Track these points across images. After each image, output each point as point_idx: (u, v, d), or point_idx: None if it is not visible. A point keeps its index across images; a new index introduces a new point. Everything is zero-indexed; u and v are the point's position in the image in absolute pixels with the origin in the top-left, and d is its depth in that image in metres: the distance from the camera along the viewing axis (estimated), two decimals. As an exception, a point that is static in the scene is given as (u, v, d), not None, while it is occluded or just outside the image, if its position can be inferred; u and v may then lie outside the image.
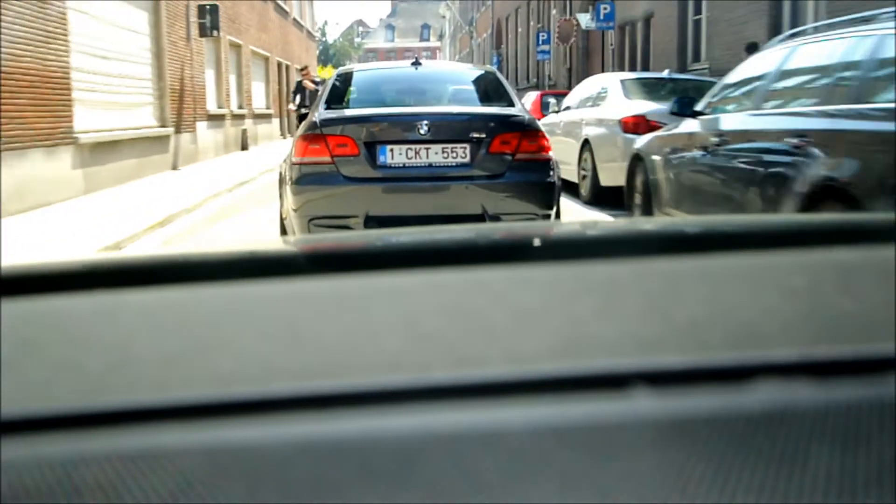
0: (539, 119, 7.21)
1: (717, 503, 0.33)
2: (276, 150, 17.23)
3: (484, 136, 4.49)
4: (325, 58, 65.41)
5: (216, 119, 14.87)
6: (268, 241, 1.39)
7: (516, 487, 0.33)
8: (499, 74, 5.59)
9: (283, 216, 4.94)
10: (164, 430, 0.36)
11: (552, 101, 10.56)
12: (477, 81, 5.53)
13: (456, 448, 0.35)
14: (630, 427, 0.36)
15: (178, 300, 0.54)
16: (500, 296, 0.51)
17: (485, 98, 5.20)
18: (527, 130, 4.57)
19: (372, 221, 4.42)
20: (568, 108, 9.01)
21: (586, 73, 17.56)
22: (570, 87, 15.17)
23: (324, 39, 72.81)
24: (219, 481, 0.34)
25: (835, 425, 0.35)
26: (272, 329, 0.47)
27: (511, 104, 4.94)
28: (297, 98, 14.62)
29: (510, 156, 4.51)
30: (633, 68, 15.08)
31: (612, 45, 15.29)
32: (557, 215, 4.78)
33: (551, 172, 4.63)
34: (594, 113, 7.84)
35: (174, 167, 12.03)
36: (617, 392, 0.38)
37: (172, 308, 0.52)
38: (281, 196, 5.02)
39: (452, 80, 5.64)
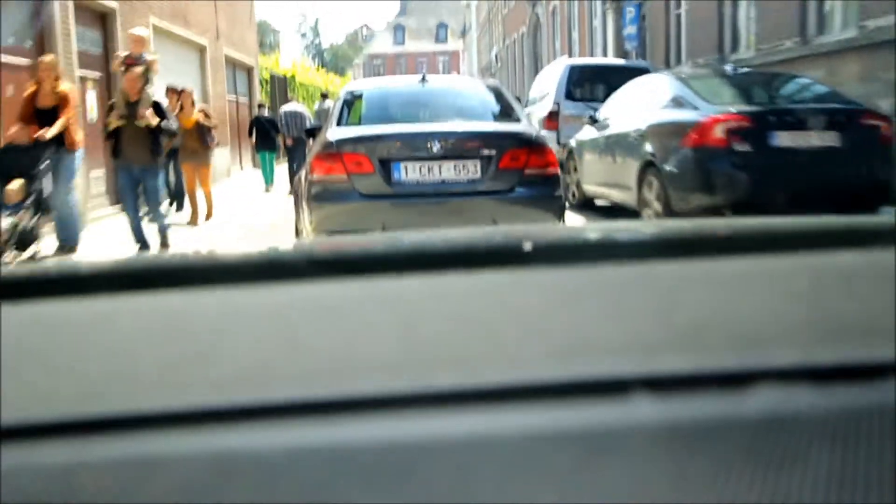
0: None
1: None
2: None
3: (494, 152, 4.72)
4: (321, 62, 52.99)
5: None
6: (268, 245, 0.84)
7: (516, 493, 0.34)
8: (503, 89, 5.91)
9: (299, 232, 5.25)
10: (164, 436, 0.37)
11: None
12: (483, 97, 5.78)
13: (456, 453, 0.36)
14: (631, 432, 0.36)
15: (178, 305, 0.55)
16: (500, 300, 0.53)
17: (492, 114, 5.44)
18: (534, 146, 4.81)
19: None
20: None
21: None
22: None
23: (317, 41, 60.29)
24: (218, 487, 0.34)
25: (835, 430, 0.36)
26: (272, 334, 0.48)
27: (518, 120, 5.25)
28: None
29: (519, 171, 4.73)
30: None
31: None
32: None
33: (559, 186, 4.92)
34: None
35: None
36: (618, 397, 0.39)
37: (172, 313, 0.53)
38: (297, 213, 5.31)
39: (459, 95, 5.80)
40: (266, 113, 14.18)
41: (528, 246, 0.65)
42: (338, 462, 0.35)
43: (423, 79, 5.63)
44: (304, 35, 65.06)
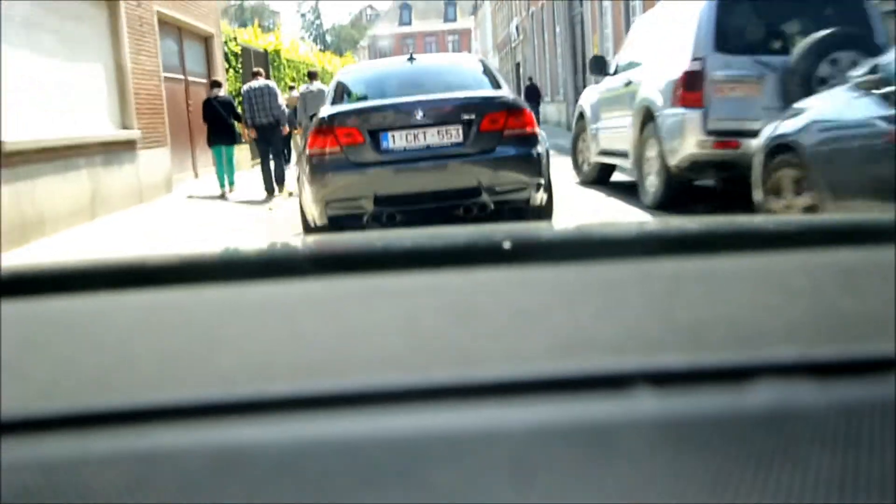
0: None
1: (717, 503, 0.34)
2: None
3: (474, 116, 5.09)
4: (322, 43, 49.35)
5: None
6: (269, 241, 1.34)
7: (517, 488, 0.34)
8: (486, 61, 6.49)
9: (302, 204, 5.55)
10: (165, 430, 0.37)
11: None
12: (467, 69, 6.20)
13: (457, 448, 0.36)
14: (631, 427, 0.37)
15: (179, 300, 0.55)
16: (501, 296, 0.53)
17: (474, 83, 5.71)
18: (512, 109, 5.19)
19: (381, 200, 5.02)
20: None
21: None
22: None
23: (318, 22, 56.40)
24: (220, 481, 0.35)
25: (835, 426, 0.37)
26: (273, 329, 0.49)
27: (498, 86, 5.64)
28: None
29: (499, 133, 5.10)
30: None
31: None
32: (549, 188, 5.43)
33: (537, 145, 5.24)
34: None
35: None
36: (618, 392, 0.39)
37: (173, 308, 0.54)
38: (300, 187, 5.64)
39: (444, 70, 6.17)
40: (223, 93, 9.91)
41: (528, 243, 0.66)
42: (338, 456, 0.35)
43: (411, 58, 6.15)
44: (303, 16, 60.65)
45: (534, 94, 23.76)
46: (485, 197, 5.03)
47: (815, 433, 0.36)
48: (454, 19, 75.49)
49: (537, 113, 23.11)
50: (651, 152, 6.27)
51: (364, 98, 5.56)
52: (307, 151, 5.16)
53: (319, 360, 0.43)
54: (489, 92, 5.42)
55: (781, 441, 0.35)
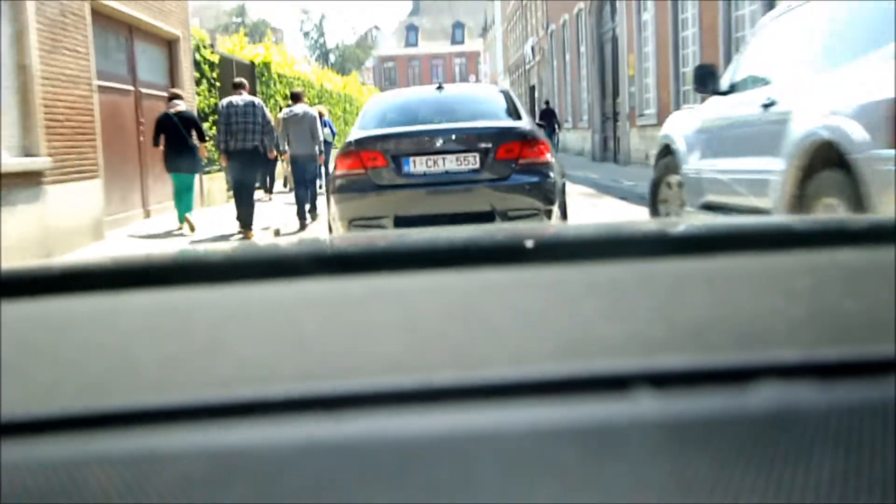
0: None
1: None
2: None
3: (491, 145, 5.54)
4: (325, 62, 47.74)
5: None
6: (270, 242, 1.17)
7: (518, 489, 0.34)
8: (509, 92, 6.74)
9: (329, 221, 5.94)
10: (166, 432, 0.37)
11: None
12: (489, 100, 6.69)
13: (458, 450, 0.36)
14: (633, 429, 0.37)
15: (180, 301, 0.55)
16: (503, 297, 0.53)
17: (495, 113, 6.13)
18: (527, 139, 5.62)
19: (400, 220, 5.40)
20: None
21: None
22: None
23: (322, 40, 54.70)
24: (221, 483, 0.35)
25: (838, 427, 0.36)
26: (274, 330, 0.49)
27: (519, 117, 6.04)
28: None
29: (514, 161, 5.52)
30: None
31: None
32: (564, 214, 5.94)
33: (550, 174, 5.63)
34: None
35: None
36: (620, 393, 0.39)
37: (174, 309, 0.53)
38: (328, 205, 5.99)
39: (469, 99, 6.67)
40: (183, 108, 7.67)
41: (530, 243, 0.65)
42: (341, 458, 0.35)
43: (440, 87, 6.59)
44: (307, 34, 58.55)
45: (550, 119, 21.26)
46: (498, 221, 5.37)
47: (817, 434, 0.36)
48: (462, 41, 73.67)
49: (553, 139, 20.72)
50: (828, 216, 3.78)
51: (389, 123, 5.95)
52: (335, 172, 5.65)
53: (321, 362, 0.43)
54: (506, 122, 5.88)
55: (783, 442, 0.35)
